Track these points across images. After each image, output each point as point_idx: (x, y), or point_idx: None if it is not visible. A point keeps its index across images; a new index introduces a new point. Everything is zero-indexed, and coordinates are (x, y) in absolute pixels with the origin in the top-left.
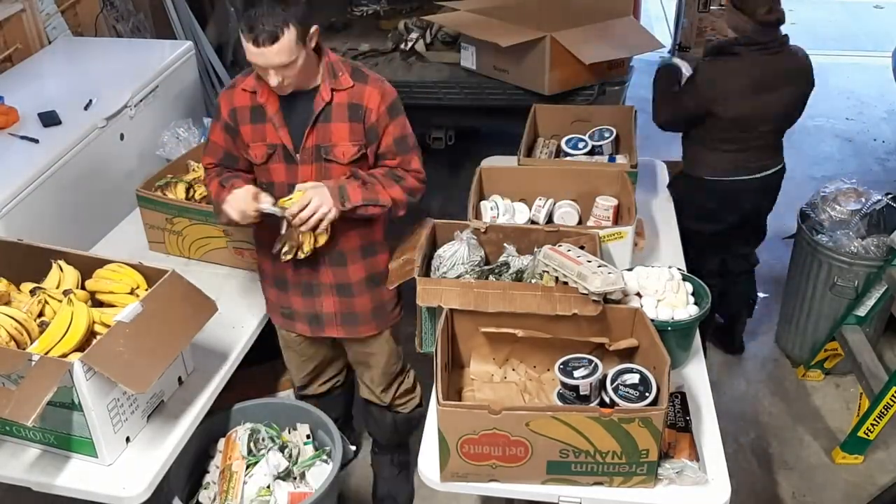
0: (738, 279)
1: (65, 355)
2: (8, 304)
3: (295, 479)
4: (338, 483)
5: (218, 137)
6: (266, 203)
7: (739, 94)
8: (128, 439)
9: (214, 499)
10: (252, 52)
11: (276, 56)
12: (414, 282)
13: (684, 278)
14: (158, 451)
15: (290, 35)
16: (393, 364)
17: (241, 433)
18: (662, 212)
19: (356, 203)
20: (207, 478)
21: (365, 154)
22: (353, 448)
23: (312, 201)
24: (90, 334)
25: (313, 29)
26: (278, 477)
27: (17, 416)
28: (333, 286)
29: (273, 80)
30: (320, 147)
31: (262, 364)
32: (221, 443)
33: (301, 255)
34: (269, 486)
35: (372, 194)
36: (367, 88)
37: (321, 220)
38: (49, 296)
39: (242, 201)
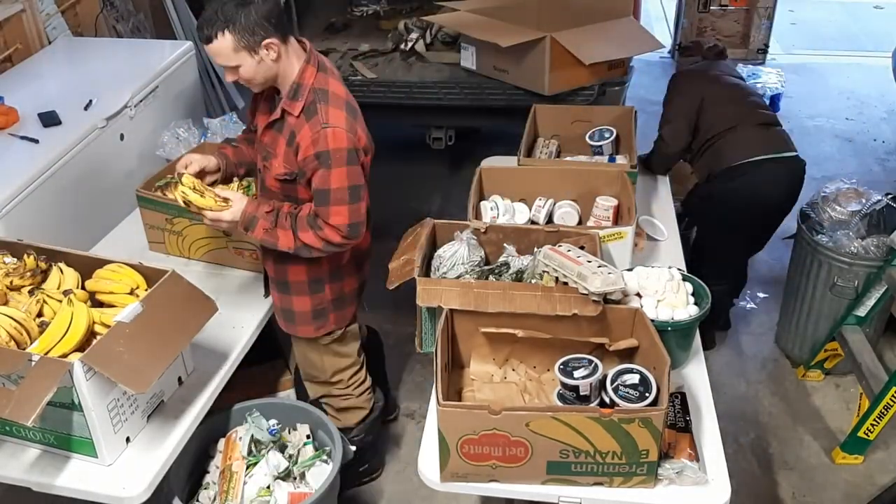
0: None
1: (65, 355)
2: (6, 304)
3: (295, 479)
4: (338, 483)
5: (251, 102)
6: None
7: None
8: (128, 439)
9: (214, 499)
10: None
11: (214, 57)
12: (414, 282)
13: (684, 278)
14: (158, 451)
15: (223, 41)
16: (305, 368)
17: (241, 433)
18: (662, 212)
19: (253, 238)
20: (207, 478)
21: (293, 181)
22: (354, 448)
23: (222, 215)
24: (90, 334)
25: (267, 41)
26: (278, 477)
27: (17, 417)
28: (271, 267)
29: (227, 77)
30: (266, 149)
31: (262, 364)
32: (221, 443)
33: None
34: (269, 487)
35: (272, 238)
36: (305, 127)
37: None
38: (48, 296)
39: (195, 161)
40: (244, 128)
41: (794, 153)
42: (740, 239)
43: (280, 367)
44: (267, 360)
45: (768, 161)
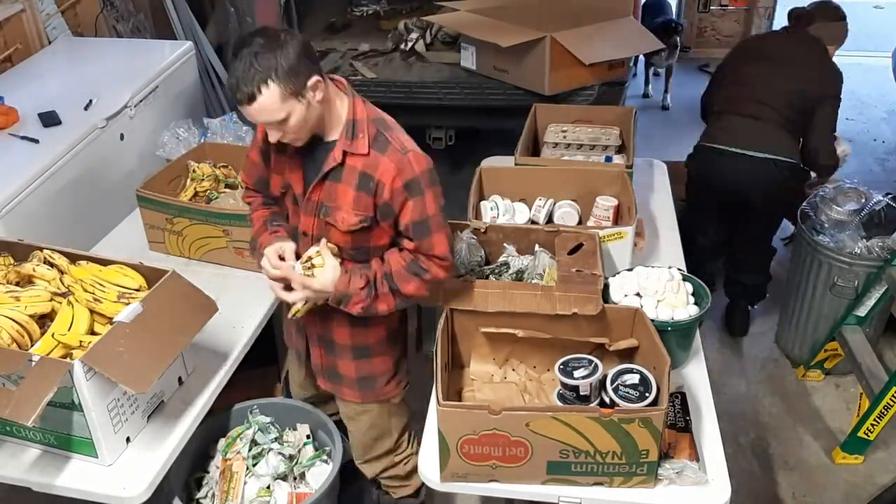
0: (739, 265)
1: (66, 355)
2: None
3: (295, 479)
4: (338, 483)
5: (255, 156)
6: (286, 264)
7: (743, 57)
8: (128, 439)
9: (214, 499)
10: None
11: (258, 115)
12: None
13: (684, 278)
14: (159, 451)
15: (270, 93)
16: (374, 439)
17: (241, 433)
18: (662, 212)
19: (352, 312)
20: (207, 478)
21: (368, 227)
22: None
23: (312, 283)
24: (91, 334)
25: (312, 80)
26: (278, 477)
27: (17, 417)
28: (320, 337)
29: (272, 136)
30: (323, 205)
31: (256, 369)
32: (221, 443)
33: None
34: (269, 487)
35: (371, 312)
36: (383, 160)
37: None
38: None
39: (268, 261)
40: (251, 202)
41: (765, 154)
42: (701, 217)
43: (273, 374)
44: (261, 365)
45: (729, 153)
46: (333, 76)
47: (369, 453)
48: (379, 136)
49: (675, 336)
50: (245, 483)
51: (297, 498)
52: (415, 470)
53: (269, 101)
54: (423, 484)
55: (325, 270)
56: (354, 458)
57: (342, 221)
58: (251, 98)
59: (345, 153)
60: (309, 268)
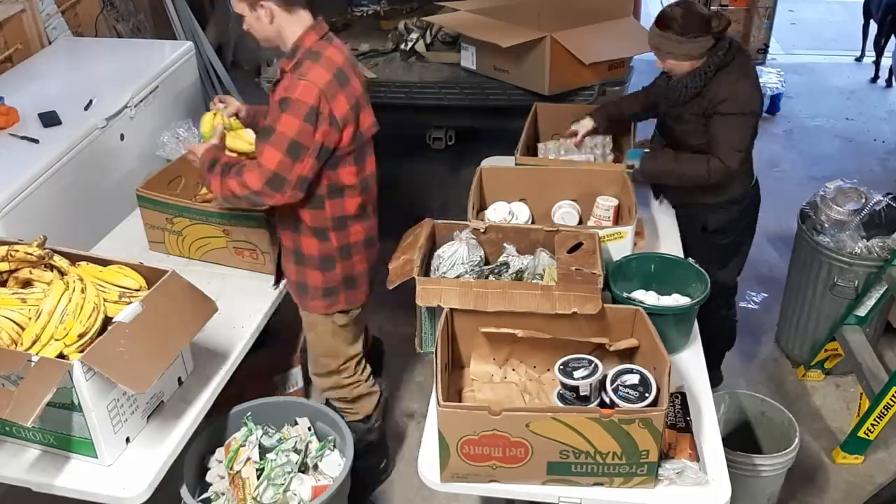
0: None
1: (82, 335)
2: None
3: (310, 470)
4: (349, 472)
5: None
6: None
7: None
8: (128, 440)
9: None
10: None
11: (237, 9)
12: (413, 281)
13: (682, 264)
14: (158, 451)
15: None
16: (321, 355)
17: (240, 439)
18: (663, 212)
19: (202, 170)
20: (212, 489)
21: None
22: (374, 439)
23: (195, 148)
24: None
25: (263, 4)
26: (298, 471)
27: (16, 417)
28: (284, 236)
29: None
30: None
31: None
32: (218, 453)
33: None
34: (283, 483)
35: (206, 181)
36: (288, 76)
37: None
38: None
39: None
40: None
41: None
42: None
43: (264, 358)
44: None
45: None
46: (319, 18)
47: (316, 368)
48: (300, 62)
49: (675, 321)
50: (261, 485)
51: (318, 491)
52: (361, 396)
53: (239, 6)
54: (372, 412)
55: (202, 146)
56: (309, 370)
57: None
58: None
59: (282, 70)
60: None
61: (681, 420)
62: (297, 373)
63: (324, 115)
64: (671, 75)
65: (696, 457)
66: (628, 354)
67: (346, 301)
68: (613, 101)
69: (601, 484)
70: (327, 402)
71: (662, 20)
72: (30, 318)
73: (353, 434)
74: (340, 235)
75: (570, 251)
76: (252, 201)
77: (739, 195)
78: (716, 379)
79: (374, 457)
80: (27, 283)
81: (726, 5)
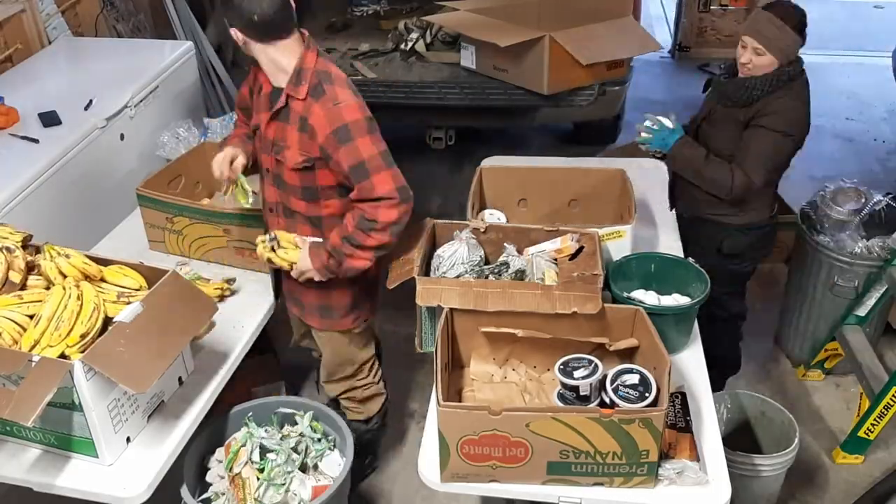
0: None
1: (84, 335)
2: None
3: (310, 470)
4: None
5: (244, 90)
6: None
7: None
8: (128, 439)
9: None
10: None
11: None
12: (413, 281)
13: (682, 263)
14: (159, 451)
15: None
16: (338, 366)
17: (240, 440)
18: (663, 212)
19: (347, 276)
20: (212, 489)
21: (312, 167)
22: (370, 438)
23: (301, 265)
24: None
25: (232, 28)
26: (298, 470)
27: (17, 417)
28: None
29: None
30: (276, 143)
31: (252, 358)
32: (218, 453)
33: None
34: (283, 483)
35: (346, 270)
36: (315, 108)
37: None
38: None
39: (220, 162)
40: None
41: None
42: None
43: (269, 362)
44: (258, 354)
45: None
46: (302, 31)
47: (332, 376)
48: (318, 85)
49: (674, 321)
50: (262, 485)
51: (318, 490)
52: (371, 398)
53: (234, 34)
54: (375, 414)
55: (299, 260)
56: (321, 379)
57: (290, 159)
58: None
59: (288, 97)
60: (271, 249)
61: (681, 420)
62: (280, 386)
63: (374, 120)
64: (744, 71)
65: (696, 457)
66: (628, 354)
67: (370, 309)
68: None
69: (601, 484)
70: (334, 400)
71: (770, 7)
72: (29, 318)
73: (355, 434)
74: None
75: (572, 258)
76: (398, 232)
77: (759, 221)
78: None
79: (364, 455)
80: (23, 285)
81: (726, 5)
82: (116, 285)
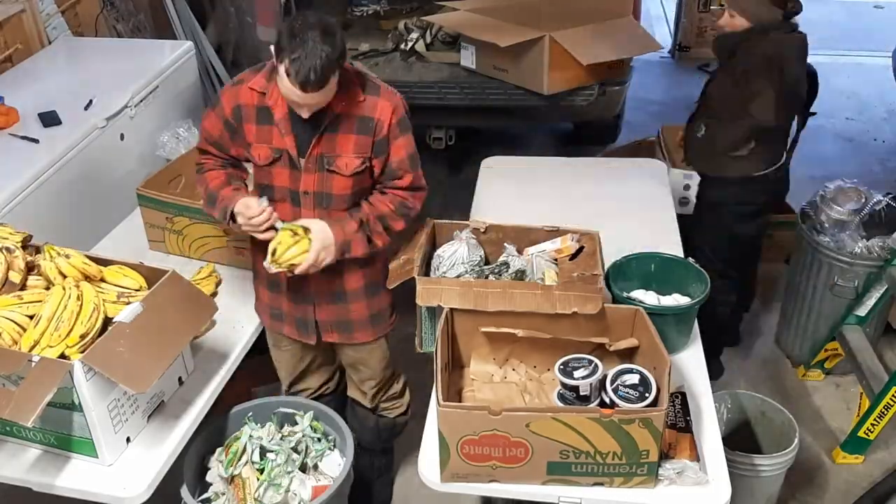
0: None
1: (84, 335)
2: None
3: (310, 470)
4: (352, 474)
5: (213, 127)
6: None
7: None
8: (128, 439)
9: None
10: (293, 93)
11: (321, 97)
12: (413, 281)
13: (682, 264)
14: (159, 451)
15: (335, 76)
16: (385, 369)
17: (242, 439)
18: (663, 212)
19: (356, 255)
20: (212, 489)
21: (369, 167)
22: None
23: (319, 256)
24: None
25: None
26: (298, 470)
27: (16, 417)
28: (327, 294)
29: (305, 113)
30: (324, 157)
31: (253, 358)
32: (219, 452)
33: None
34: (282, 483)
35: (372, 247)
36: (380, 102)
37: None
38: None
39: (257, 213)
40: (204, 164)
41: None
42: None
43: (255, 366)
44: (258, 354)
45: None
46: None
47: (378, 385)
48: (365, 82)
49: (674, 321)
50: (263, 484)
51: (318, 491)
52: (405, 387)
53: (333, 84)
54: (410, 401)
55: (316, 229)
56: (358, 395)
57: (346, 166)
58: (322, 84)
59: (342, 103)
60: (293, 234)
61: (681, 420)
62: (280, 386)
63: None
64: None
65: (696, 457)
66: (628, 354)
67: (394, 319)
68: None
69: (601, 484)
70: (372, 409)
71: None
72: (29, 318)
73: (393, 431)
74: (384, 260)
75: (572, 258)
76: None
77: (752, 171)
78: (716, 371)
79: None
80: (23, 285)
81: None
82: (116, 285)
